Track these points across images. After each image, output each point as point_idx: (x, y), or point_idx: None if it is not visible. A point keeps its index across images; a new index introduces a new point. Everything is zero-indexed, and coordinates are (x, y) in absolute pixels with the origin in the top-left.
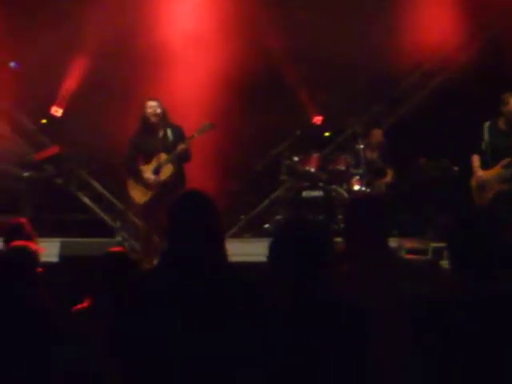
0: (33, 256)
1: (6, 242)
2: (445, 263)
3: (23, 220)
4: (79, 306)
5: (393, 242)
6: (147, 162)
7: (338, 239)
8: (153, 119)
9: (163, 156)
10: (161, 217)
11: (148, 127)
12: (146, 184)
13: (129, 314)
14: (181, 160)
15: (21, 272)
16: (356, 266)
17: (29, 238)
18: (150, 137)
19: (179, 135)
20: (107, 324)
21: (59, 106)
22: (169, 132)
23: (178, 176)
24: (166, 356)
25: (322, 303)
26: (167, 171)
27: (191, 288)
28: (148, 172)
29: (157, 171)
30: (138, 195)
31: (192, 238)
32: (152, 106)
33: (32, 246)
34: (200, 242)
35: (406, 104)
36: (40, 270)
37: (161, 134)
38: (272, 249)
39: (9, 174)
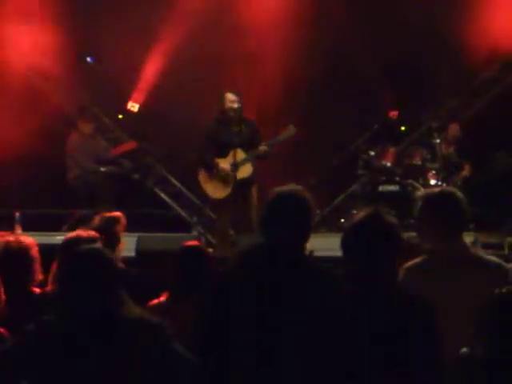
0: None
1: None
2: None
3: (119, 214)
4: (155, 301)
5: (469, 236)
6: (223, 155)
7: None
8: (231, 113)
9: (240, 153)
10: (236, 212)
11: (224, 120)
12: (222, 176)
13: (212, 308)
14: (259, 159)
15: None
16: (428, 260)
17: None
18: (226, 129)
19: (254, 130)
20: (185, 319)
21: (136, 101)
22: (243, 127)
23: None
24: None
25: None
26: (247, 170)
27: (273, 283)
28: (225, 163)
29: (235, 168)
30: (213, 189)
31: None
32: (231, 100)
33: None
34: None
35: (483, 98)
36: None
37: (236, 128)
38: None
39: (87, 168)
